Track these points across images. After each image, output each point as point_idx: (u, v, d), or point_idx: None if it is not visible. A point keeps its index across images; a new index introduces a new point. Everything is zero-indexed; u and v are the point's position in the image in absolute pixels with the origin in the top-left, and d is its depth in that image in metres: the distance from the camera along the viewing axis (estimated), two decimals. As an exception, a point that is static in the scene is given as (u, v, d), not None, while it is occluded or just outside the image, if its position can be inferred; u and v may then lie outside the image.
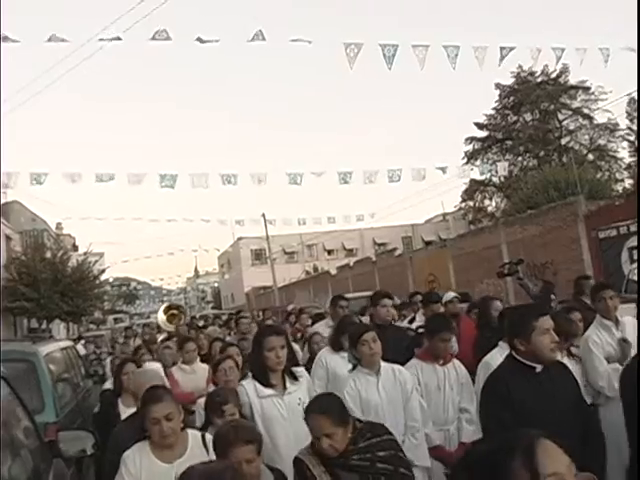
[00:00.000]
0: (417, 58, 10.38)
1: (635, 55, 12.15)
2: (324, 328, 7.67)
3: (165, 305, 16.58)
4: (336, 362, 5.57)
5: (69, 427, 5.65)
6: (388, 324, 6.58)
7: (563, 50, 12.18)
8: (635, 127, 42.51)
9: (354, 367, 4.68)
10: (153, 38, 9.85)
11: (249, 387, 4.35)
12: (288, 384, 4.41)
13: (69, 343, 10.83)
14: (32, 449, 3.73)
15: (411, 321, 9.39)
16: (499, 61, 11.53)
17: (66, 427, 5.66)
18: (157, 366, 7.22)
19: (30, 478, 3.39)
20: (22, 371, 6.69)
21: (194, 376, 7.20)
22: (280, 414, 4.24)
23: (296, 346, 8.52)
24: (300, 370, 4.67)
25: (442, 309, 8.07)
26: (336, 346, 5.73)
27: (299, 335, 10.74)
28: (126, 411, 5.47)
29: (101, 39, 9.45)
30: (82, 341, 19.54)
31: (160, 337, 13.72)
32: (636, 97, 33.32)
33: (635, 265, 14.18)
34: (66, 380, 8.34)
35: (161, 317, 15.29)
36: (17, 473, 3.22)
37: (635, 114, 42.13)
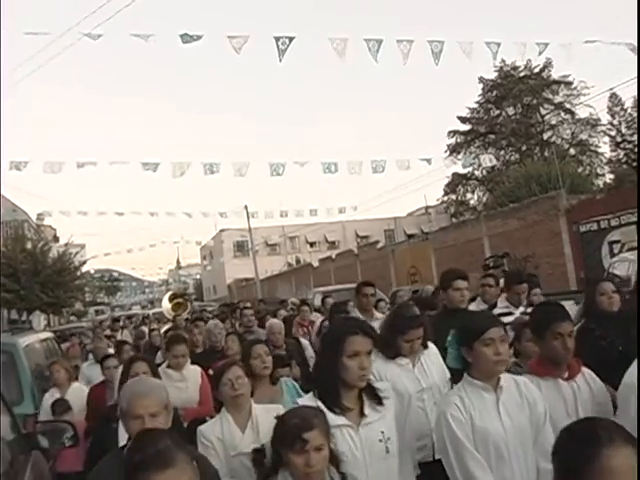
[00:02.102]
0: (401, 53, 10.39)
1: (635, 57, 12.16)
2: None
3: (170, 293, 15.79)
4: (397, 375, 3.95)
5: (47, 419, 5.61)
6: (461, 309, 5.37)
7: (547, 45, 12.20)
8: (616, 122, 42.79)
9: (459, 376, 3.26)
10: (135, 35, 9.80)
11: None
12: (367, 410, 3.06)
13: (49, 334, 10.77)
14: (9, 440, 3.70)
15: None
16: (493, 56, 11.54)
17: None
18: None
19: (7, 470, 3.35)
20: (1, 362, 6.65)
21: (183, 385, 5.76)
22: (352, 453, 2.93)
23: (304, 341, 8.22)
24: (385, 388, 3.24)
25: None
26: (391, 351, 4.04)
27: (303, 330, 10.08)
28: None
29: (86, 34, 9.33)
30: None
31: (164, 328, 13.47)
32: (618, 92, 33.62)
33: (615, 259, 14.24)
34: (45, 372, 8.29)
35: (166, 306, 14.53)
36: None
37: (616, 109, 42.41)
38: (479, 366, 3.13)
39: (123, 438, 3.40)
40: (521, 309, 5.98)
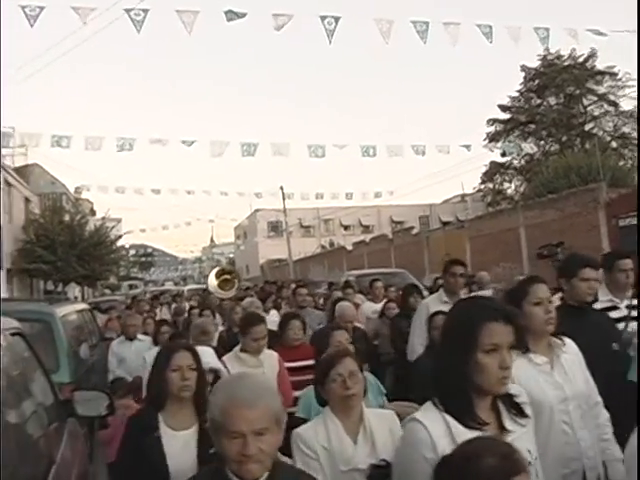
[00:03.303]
0: (449, 35, 10.30)
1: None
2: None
3: (217, 269, 14.02)
4: (532, 379, 2.99)
5: (84, 388, 5.70)
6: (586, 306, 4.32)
7: (601, 33, 12.00)
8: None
9: None
10: (180, 10, 9.82)
11: (436, 422, 2.23)
12: (508, 422, 2.35)
13: (85, 306, 10.90)
14: (47, 406, 3.77)
15: None
16: (542, 42, 11.36)
17: (80, 388, 5.72)
18: (208, 351, 4.55)
19: (46, 434, 3.42)
20: (38, 331, 6.74)
21: (259, 372, 4.95)
22: None
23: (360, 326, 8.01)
24: (519, 393, 2.47)
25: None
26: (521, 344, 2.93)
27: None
28: (174, 435, 3.24)
29: (131, 9, 9.37)
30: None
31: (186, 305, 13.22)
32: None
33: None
34: (81, 342, 8.41)
35: (212, 282, 13.07)
36: (34, 428, 3.25)
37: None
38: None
39: (171, 436, 3.14)
40: (626, 301, 4.78)
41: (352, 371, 3.13)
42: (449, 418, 2.22)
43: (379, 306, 9.05)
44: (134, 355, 7.71)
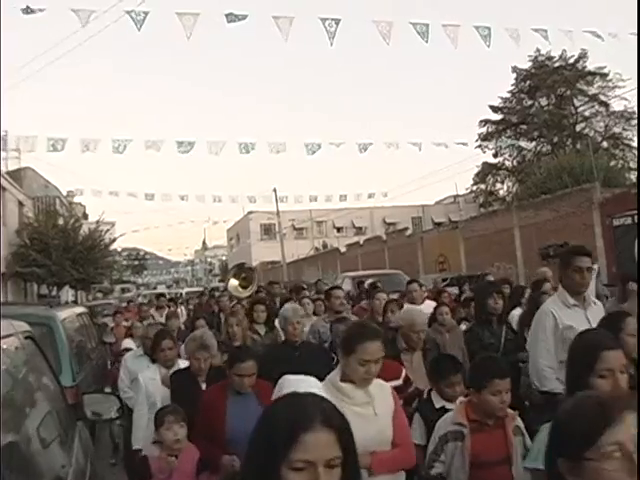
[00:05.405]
0: (448, 37, 10.36)
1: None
2: None
3: (235, 268, 13.13)
4: None
5: (86, 391, 5.71)
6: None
7: (596, 34, 12.09)
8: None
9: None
10: (179, 13, 9.84)
11: None
12: None
13: (84, 309, 10.90)
14: (58, 410, 3.77)
15: None
16: (543, 43, 11.46)
17: (83, 391, 5.72)
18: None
19: (61, 437, 3.42)
20: (40, 335, 6.72)
21: (369, 410, 3.42)
22: None
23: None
24: None
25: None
26: None
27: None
28: None
29: (130, 11, 9.38)
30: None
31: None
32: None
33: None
34: (81, 345, 8.42)
35: (233, 283, 12.12)
36: (50, 431, 3.25)
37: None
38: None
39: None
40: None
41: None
42: None
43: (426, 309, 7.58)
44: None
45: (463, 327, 6.94)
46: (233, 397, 4.25)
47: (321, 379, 3.47)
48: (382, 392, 3.49)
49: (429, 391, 4.39)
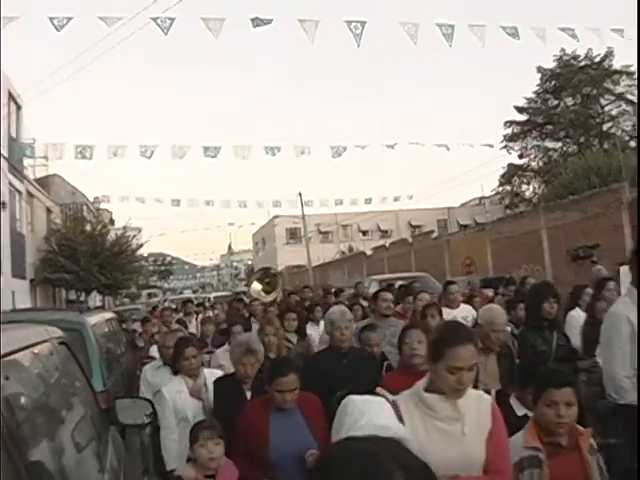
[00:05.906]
0: (475, 36, 10.32)
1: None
2: None
3: (259, 272, 12.84)
4: None
5: (117, 396, 5.72)
6: None
7: (622, 31, 11.98)
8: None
9: None
10: (205, 18, 9.89)
11: None
12: None
13: (113, 315, 10.97)
14: (92, 414, 3.79)
15: None
16: (570, 41, 11.37)
17: (114, 396, 5.74)
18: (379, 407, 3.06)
19: (96, 442, 3.44)
20: (70, 340, 6.76)
21: (457, 427, 2.92)
22: None
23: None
24: None
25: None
26: None
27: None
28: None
29: (156, 18, 9.45)
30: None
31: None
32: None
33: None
34: (110, 350, 8.46)
35: (255, 287, 11.89)
36: (86, 435, 3.27)
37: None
38: None
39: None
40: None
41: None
42: None
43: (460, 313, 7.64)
44: None
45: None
46: (275, 414, 4.01)
47: (371, 390, 3.23)
48: (477, 407, 2.97)
49: (497, 393, 4.17)
